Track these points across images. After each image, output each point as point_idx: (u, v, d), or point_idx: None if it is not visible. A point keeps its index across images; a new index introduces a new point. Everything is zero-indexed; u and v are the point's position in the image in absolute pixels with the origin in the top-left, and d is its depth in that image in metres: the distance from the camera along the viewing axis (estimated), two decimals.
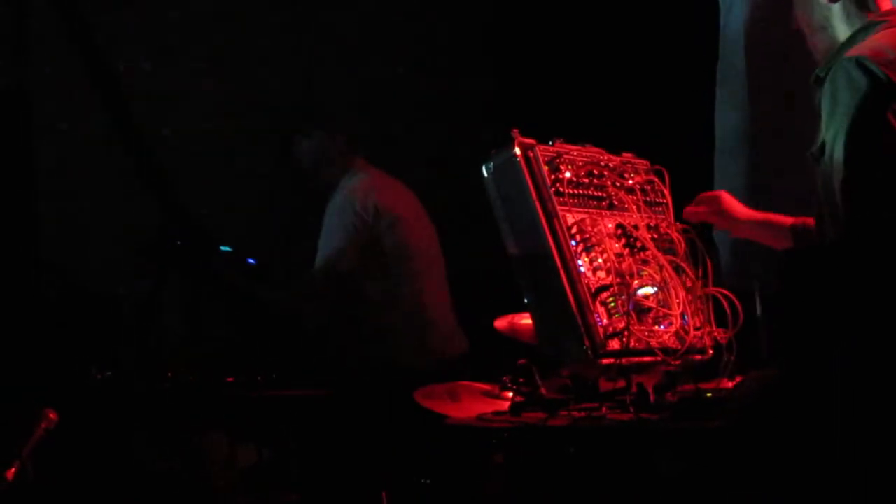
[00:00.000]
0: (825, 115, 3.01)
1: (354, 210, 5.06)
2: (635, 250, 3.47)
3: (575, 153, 3.53)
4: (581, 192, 3.48)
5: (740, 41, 4.64)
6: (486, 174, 3.51)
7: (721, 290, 3.47)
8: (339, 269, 5.02)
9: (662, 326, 3.43)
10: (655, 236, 3.54)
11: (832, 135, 2.97)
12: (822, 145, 3.03)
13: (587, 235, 3.40)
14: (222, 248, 5.32)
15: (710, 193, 3.72)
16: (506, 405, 3.69)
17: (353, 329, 5.14)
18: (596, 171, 3.54)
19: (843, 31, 3.17)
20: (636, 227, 3.51)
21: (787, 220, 3.57)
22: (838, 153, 2.94)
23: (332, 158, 5.22)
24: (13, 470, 3.37)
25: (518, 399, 3.67)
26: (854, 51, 3.02)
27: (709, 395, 3.24)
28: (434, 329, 5.12)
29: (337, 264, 5.02)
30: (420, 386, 4.11)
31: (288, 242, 5.30)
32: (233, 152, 5.89)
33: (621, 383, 3.41)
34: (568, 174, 3.46)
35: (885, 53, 2.95)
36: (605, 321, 3.33)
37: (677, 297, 3.45)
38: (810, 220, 3.41)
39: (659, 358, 3.38)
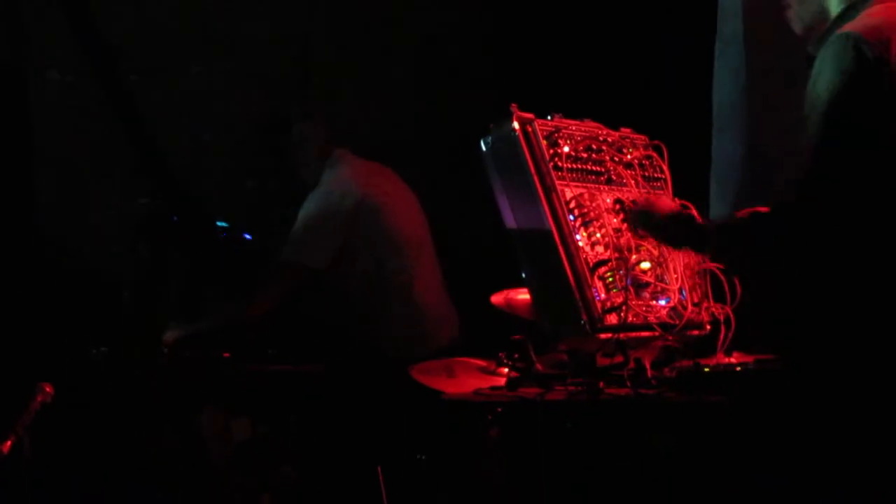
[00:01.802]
0: (808, 89, 2.97)
1: (330, 207, 4.92)
2: None
3: (573, 128, 3.53)
4: (579, 166, 3.48)
5: (738, 16, 4.64)
6: (484, 148, 3.51)
7: (719, 265, 3.47)
8: (308, 265, 4.89)
9: (660, 301, 3.43)
10: None
11: (807, 110, 2.93)
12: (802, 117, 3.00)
13: (585, 210, 3.40)
14: (219, 224, 5.30)
15: None
16: (502, 381, 3.70)
17: (342, 323, 5.06)
18: (594, 146, 3.54)
19: (835, 5, 3.12)
20: (635, 202, 3.50)
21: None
22: (811, 130, 2.91)
23: (311, 150, 5.07)
24: (9, 443, 3.37)
25: (514, 375, 3.67)
26: (849, 26, 2.98)
27: (706, 370, 3.24)
28: (426, 318, 5.03)
29: (304, 259, 4.90)
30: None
31: (285, 220, 5.24)
32: (231, 129, 5.86)
33: (619, 358, 3.41)
34: (566, 149, 3.46)
35: (881, 32, 2.90)
36: (602, 296, 3.34)
37: (675, 271, 3.46)
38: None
39: (657, 333, 3.38)
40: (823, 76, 2.89)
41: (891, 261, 2.81)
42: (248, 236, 5.25)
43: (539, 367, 3.66)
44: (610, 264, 3.36)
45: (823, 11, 3.12)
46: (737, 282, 3.44)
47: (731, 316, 3.43)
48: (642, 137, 3.70)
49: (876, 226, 2.82)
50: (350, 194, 4.91)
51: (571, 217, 3.37)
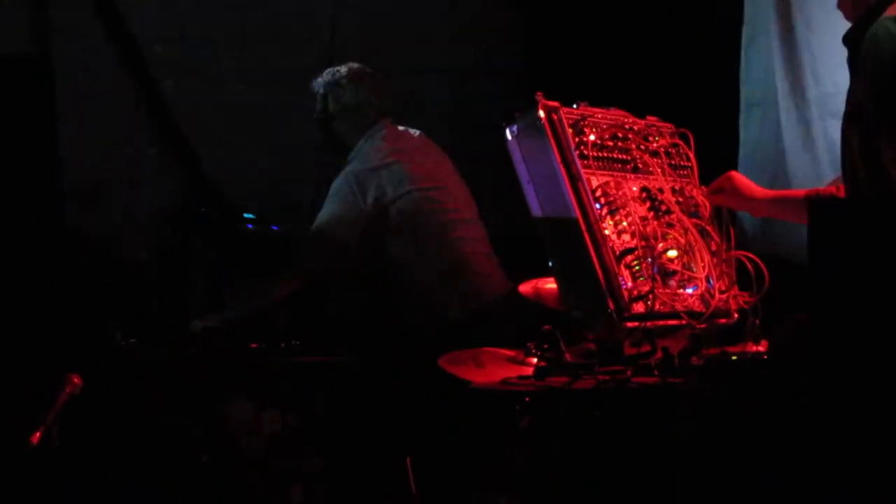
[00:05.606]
0: (870, 73, 2.98)
1: (361, 186, 4.87)
2: (660, 213, 3.47)
3: (599, 116, 3.52)
4: (605, 154, 3.46)
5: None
6: (509, 137, 3.50)
7: (746, 253, 3.46)
8: (334, 239, 4.85)
9: (687, 290, 3.42)
10: (680, 199, 3.53)
11: (876, 92, 2.94)
12: (861, 104, 3.00)
13: (612, 199, 3.39)
14: (246, 215, 5.31)
15: (722, 176, 3.66)
16: (530, 371, 3.68)
17: (383, 293, 5.04)
18: (620, 134, 3.53)
19: None
20: (661, 191, 3.49)
21: (800, 192, 3.52)
22: (884, 110, 2.91)
23: (368, 113, 5.04)
24: (38, 434, 3.39)
25: (542, 364, 3.67)
26: (893, 11, 3.01)
27: (734, 358, 3.23)
28: (471, 272, 4.95)
29: (332, 233, 4.86)
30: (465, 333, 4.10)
31: (313, 211, 5.23)
32: (259, 120, 5.86)
33: (646, 347, 3.40)
34: (592, 137, 3.45)
35: None
36: (629, 284, 3.33)
37: (702, 260, 3.45)
38: (824, 190, 3.39)
39: (684, 321, 3.37)
40: (885, 56, 2.91)
41: None
42: (275, 228, 5.26)
43: (568, 356, 3.65)
44: (636, 253, 3.35)
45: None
46: (764, 270, 3.42)
47: (759, 304, 3.41)
48: (668, 125, 3.69)
49: None
50: (389, 164, 4.90)
51: (597, 205, 3.36)
